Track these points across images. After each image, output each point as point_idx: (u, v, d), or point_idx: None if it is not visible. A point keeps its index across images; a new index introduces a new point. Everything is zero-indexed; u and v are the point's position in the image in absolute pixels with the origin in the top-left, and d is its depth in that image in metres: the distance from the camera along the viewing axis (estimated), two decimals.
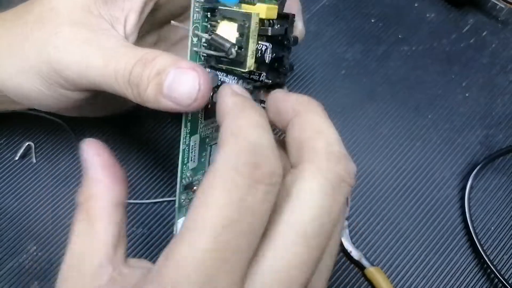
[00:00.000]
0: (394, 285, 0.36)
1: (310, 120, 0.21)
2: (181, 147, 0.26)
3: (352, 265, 0.36)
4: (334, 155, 0.19)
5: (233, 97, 0.21)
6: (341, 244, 0.36)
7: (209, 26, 0.25)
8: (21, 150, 0.37)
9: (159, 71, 0.22)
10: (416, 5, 0.48)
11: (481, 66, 0.45)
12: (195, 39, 0.24)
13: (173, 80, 0.22)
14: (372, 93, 0.43)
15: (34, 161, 0.37)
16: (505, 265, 0.37)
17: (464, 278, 0.37)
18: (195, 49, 0.25)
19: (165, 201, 0.37)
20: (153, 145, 0.39)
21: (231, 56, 0.23)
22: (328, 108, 0.42)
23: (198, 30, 0.25)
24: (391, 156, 0.40)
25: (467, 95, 0.44)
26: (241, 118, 0.19)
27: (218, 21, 0.24)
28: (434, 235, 0.38)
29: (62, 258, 0.34)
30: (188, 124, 0.26)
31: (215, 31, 0.24)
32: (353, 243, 0.37)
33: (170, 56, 0.23)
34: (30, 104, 0.30)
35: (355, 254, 0.36)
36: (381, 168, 0.40)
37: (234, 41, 0.23)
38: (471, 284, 0.36)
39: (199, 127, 0.27)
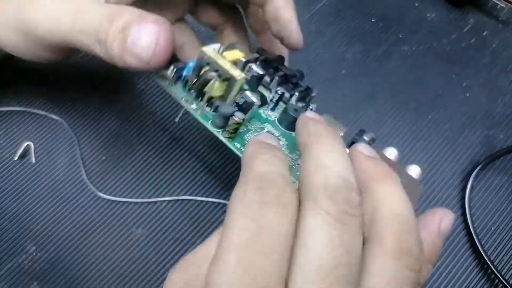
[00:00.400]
0: None
1: (314, 154, 0.20)
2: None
3: None
4: (331, 188, 0.18)
5: (251, 146, 0.21)
6: None
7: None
8: (20, 150, 0.37)
9: (124, 26, 0.22)
10: (416, 5, 0.48)
11: (481, 66, 0.45)
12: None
13: (135, 35, 0.22)
14: (372, 93, 0.43)
15: (34, 161, 0.37)
16: (506, 265, 0.37)
17: (465, 278, 0.37)
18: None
19: (165, 200, 0.37)
20: (153, 144, 0.39)
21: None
22: (328, 108, 0.43)
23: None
24: None
25: (467, 95, 0.44)
26: (255, 158, 0.20)
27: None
28: None
29: (62, 258, 0.34)
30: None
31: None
32: None
33: (138, 11, 0.23)
34: (11, 52, 0.30)
35: None
36: None
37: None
38: (472, 284, 0.36)
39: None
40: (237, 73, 0.25)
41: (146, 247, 0.36)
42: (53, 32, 0.26)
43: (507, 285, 0.35)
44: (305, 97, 0.30)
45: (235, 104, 0.26)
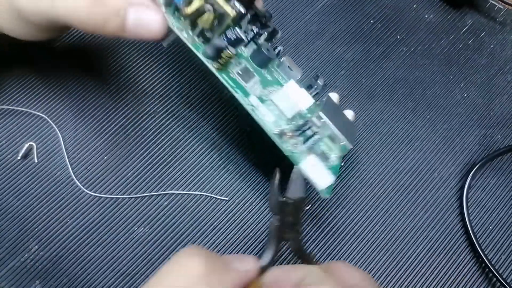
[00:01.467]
0: (392, 285, 0.36)
1: None
2: (251, 113, 0.28)
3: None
4: None
5: None
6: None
7: None
8: (23, 150, 0.38)
9: (116, 11, 0.24)
10: (414, 6, 0.48)
11: (479, 67, 0.45)
12: None
13: (136, 18, 0.25)
14: (371, 93, 0.43)
15: (36, 161, 0.38)
16: (503, 264, 0.38)
17: (463, 277, 0.37)
18: None
19: (167, 193, 0.37)
20: (151, 142, 0.39)
21: None
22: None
23: None
24: (390, 155, 0.41)
25: (465, 95, 0.44)
26: None
27: None
28: (432, 235, 0.38)
29: (64, 257, 0.35)
30: (238, 90, 0.28)
31: None
32: (352, 243, 0.37)
33: None
34: (7, 33, 0.30)
35: None
36: (379, 167, 0.40)
37: None
38: (470, 283, 0.37)
39: (241, 85, 0.29)
40: (229, 10, 0.26)
41: (147, 247, 0.36)
42: (34, 11, 0.26)
43: (505, 284, 0.35)
44: (272, 37, 0.32)
45: (224, 38, 0.28)
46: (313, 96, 0.32)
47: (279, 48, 0.32)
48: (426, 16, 0.48)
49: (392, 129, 0.42)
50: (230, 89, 0.28)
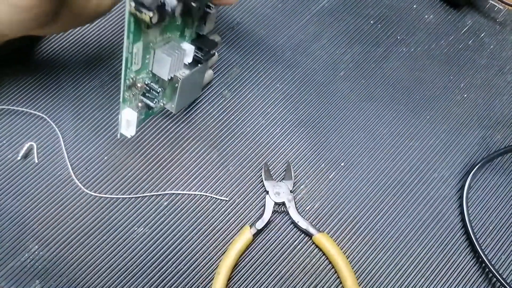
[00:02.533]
0: (393, 284, 0.36)
1: None
2: (124, 55, 0.28)
3: (302, 234, 0.37)
4: None
5: None
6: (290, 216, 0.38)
7: None
8: (23, 150, 0.38)
9: None
10: (414, 6, 0.48)
11: (479, 67, 0.46)
12: None
13: None
14: (371, 94, 0.43)
15: (36, 161, 0.38)
16: (503, 263, 0.38)
17: (463, 276, 0.37)
18: None
19: (167, 194, 0.37)
20: (152, 142, 0.39)
21: None
22: (327, 109, 0.43)
23: None
24: (390, 156, 0.41)
25: (465, 96, 0.44)
26: None
27: None
28: (432, 235, 0.38)
29: (64, 257, 0.35)
30: (131, 34, 0.27)
31: None
32: (353, 243, 0.37)
33: None
34: (4, 30, 0.30)
35: (302, 223, 0.37)
36: (380, 168, 0.40)
37: None
38: (470, 283, 0.37)
39: (141, 35, 0.28)
40: None
41: (147, 246, 0.36)
42: None
43: (505, 283, 0.35)
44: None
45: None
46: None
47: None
48: (426, 16, 0.48)
49: (392, 130, 0.42)
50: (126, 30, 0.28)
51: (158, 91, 0.32)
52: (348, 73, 0.44)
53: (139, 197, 0.37)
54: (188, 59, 0.33)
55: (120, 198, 0.37)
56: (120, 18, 0.43)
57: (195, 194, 0.38)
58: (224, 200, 0.38)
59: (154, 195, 0.37)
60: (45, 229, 0.36)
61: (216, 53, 0.38)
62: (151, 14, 0.26)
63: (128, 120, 0.32)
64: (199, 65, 0.34)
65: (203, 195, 0.38)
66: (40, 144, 0.38)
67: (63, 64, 0.41)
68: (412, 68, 0.45)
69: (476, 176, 0.40)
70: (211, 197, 0.38)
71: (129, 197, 0.37)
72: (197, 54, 0.33)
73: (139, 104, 0.33)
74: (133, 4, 0.26)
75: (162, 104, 0.34)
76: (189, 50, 0.33)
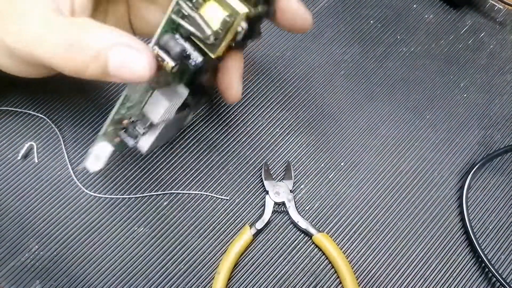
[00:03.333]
0: (392, 285, 0.36)
1: None
2: (126, 92, 0.27)
3: (302, 234, 0.37)
4: None
5: None
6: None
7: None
8: (23, 150, 0.38)
9: (96, 53, 0.22)
10: (414, 6, 0.48)
11: (479, 67, 0.46)
12: (176, 7, 0.24)
13: (119, 61, 0.22)
14: (371, 93, 0.43)
15: (36, 161, 0.38)
16: (503, 264, 0.38)
17: (462, 276, 0.37)
18: (173, 16, 0.24)
19: (167, 193, 0.37)
20: None
21: (206, 41, 0.24)
22: (327, 108, 0.43)
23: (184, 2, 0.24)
24: (390, 156, 0.41)
25: (465, 95, 0.44)
26: None
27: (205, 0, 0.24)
28: (432, 235, 0.38)
29: (64, 257, 0.35)
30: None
31: (200, 7, 0.24)
32: (352, 243, 0.37)
33: (99, 33, 0.23)
34: (5, 70, 0.30)
35: (302, 223, 0.37)
36: (380, 167, 0.40)
37: (215, 28, 0.23)
38: (469, 283, 0.37)
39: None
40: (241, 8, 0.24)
41: (148, 246, 0.36)
42: (21, 52, 0.25)
43: (505, 284, 0.35)
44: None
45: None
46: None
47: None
48: (426, 16, 0.48)
49: (392, 129, 0.42)
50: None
51: (142, 132, 0.30)
52: (348, 72, 0.44)
53: (139, 197, 0.37)
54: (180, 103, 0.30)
55: (120, 198, 0.37)
56: None
57: (195, 194, 0.38)
58: (224, 199, 0.38)
59: (154, 195, 0.37)
60: (45, 229, 0.36)
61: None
62: (173, 64, 0.24)
63: (98, 155, 0.30)
64: (186, 109, 0.32)
65: (203, 194, 0.38)
66: (40, 144, 0.38)
67: None
68: (412, 68, 0.45)
69: (476, 175, 0.40)
70: (211, 196, 0.38)
71: (129, 197, 0.37)
72: (188, 100, 0.30)
73: (116, 140, 0.31)
74: (156, 49, 0.24)
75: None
76: (185, 94, 0.29)
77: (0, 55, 0.28)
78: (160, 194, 0.38)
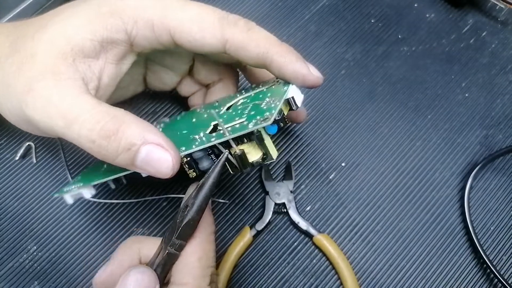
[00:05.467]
0: (394, 285, 0.36)
1: None
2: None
3: (302, 235, 0.37)
4: None
5: None
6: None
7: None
8: (22, 150, 0.37)
9: (128, 145, 0.24)
10: (416, 5, 0.48)
11: (480, 66, 0.45)
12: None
13: (146, 157, 0.25)
14: (372, 93, 0.43)
15: (35, 161, 0.38)
16: (505, 265, 0.37)
17: (464, 277, 0.37)
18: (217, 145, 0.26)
19: (169, 197, 0.37)
20: None
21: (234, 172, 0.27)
22: (328, 108, 0.43)
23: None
24: (391, 156, 0.40)
25: (466, 95, 0.44)
26: None
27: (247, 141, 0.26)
28: (433, 235, 0.38)
29: (63, 258, 0.35)
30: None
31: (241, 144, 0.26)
32: (353, 243, 0.37)
33: (136, 128, 0.25)
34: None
35: (302, 224, 0.37)
36: (381, 168, 0.40)
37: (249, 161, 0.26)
38: (471, 284, 0.37)
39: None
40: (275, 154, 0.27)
41: None
42: (50, 131, 0.26)
43: (506, 285, 0.35)
44: None
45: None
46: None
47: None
48: (427, 15, 0.47)
49: (393, 129, 0.42)
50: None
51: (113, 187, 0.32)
52: (349, 71, 0.44)
53: (140, 201, 0.37)
54: None
55: (120, 202, 0.37)
56: None
57: None
58: (225, 202, 0.38)
59: (155, 198, 0.37)
60: (44, 230, 0.36)
61: None
62: (194, 174, 0.27)
63: (76, 194, 0.31)
64: None
65: None
66: (39, 144, 0.38)
67: None
68: (413, 67, 0.45)
69: (477, 176, 0.40)
70: (211, 200, 0.37)
71: (128, 201, 0.37)
72: None
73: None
74: (186, 159, 0.27)
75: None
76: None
77: (19, 119, 0.28)
78: (162, 198, 0.37)
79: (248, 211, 0.38)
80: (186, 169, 0.27)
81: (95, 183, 0.29)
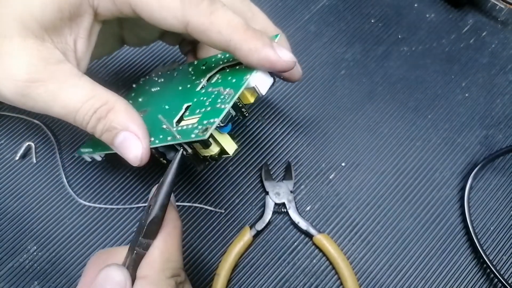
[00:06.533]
0: (394, 285, 0.36)
1: None
2: None
3: (302, 235, 0.37)
4: None
5: None
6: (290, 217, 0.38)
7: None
8: (21, 150, 0.37)
9: (111, 128, 0.27)
10: (416, 5, 0.48)
11: (480, 66, 0.45)
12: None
13: (122, 141, 0.27)
14: (372, 93, 0.43)
15: (35, 161, 0.38)
16: (505, 265, 0.37)
17: (464, 277, 0.37)
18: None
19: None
20: None
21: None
22: (328, 108, 0.43)
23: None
24: (391, 156, 0.40)
25: (466, 95, 0.44)
26: None
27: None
28: (433, 235, 0.38)
29: (62, 258, 0.35)
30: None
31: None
32: (353, 243, 0.37)
33: (122, 116, 0.27)
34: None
35: (302, 224, 0.37)
36: (381, 168, 0.40)
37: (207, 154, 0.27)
38: (471, 284, 0.37)
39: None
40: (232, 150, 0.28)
41: None
42: (22, 105, 0.27)
43: (506, 285, 0.35)
44: None
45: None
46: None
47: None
48: (427, 15, 0.47)
49: (393, 129, 0.42)
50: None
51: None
52: (349, 72, 0.44)
53: (140, 207, 0.37)
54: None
55: (120, 208, 0.37)
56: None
57: (190, 206, 0.38)
58: (220, 212, 0.38)
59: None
60: (44, 230, 0.36)
61: None
62: (165, 162, 0.29)
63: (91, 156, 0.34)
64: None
65: (198, 206, 0.38)
66: (39, 144, 0.38)
67: None
68: (413, 67, 0.45)
69: (477, 176, 0.40)
70: (206, 208, 0.37)
71: (124, 207, 0.37)
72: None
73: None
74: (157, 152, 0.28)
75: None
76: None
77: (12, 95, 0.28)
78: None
79: (248, 211, 0.38)
80: (157, 157, 0.29)
81: (100, 153, 0.33)
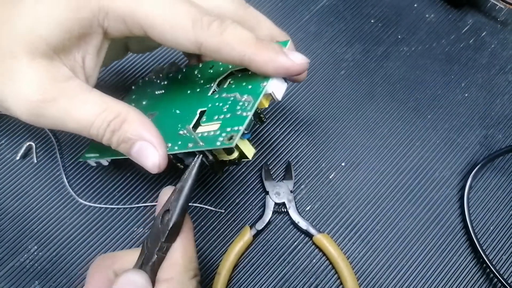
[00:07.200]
0: (393, 285, 0.36)
1: None
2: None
3: (302, 235, 0.37)
4: None
5: None
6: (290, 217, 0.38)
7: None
8: (22, 150, 0.37)
9: (126, 139, 0.27)
10: (415, 5, 0.48)
11: (480, 67, 0.45)
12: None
13: (138, 151, 0.27)
14: (372, 93, 0.43)
15: (35, 161, 0.38)
16: (504, 264, 0.37)
17: (463, 277, 0.37)
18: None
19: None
20: None
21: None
22: (328, 108, 0.43)
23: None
24: (391, 156, 0.41)
25: (466, 95, 0.44)
26: None
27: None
28: (433, 235, 0.38)
29: (63, 258, 0.35)
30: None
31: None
32: (353, 243, 0.37)
33: (136, 126, 0.27)
34: None
35: (302, 224, 0.37)
36: (380, 168, 0.40)
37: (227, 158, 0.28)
38: (471, 284, 0.37)
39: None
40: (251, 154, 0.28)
41: None
42: (36, 123, 0.27)
43: (506, 284, 0.35)
44: None
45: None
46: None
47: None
48: (427, 15, 0.47)
49: (393, 129, 0.42)
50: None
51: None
52: (348, 72, 0.44)
53: (141, 206, 0.37)
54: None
55: (121, 208, 0.37)
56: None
57: (190, 205, 0.38)
58: (220, 212, 0.38)
59: (148, 205, 0.37)
60: (44, 230, 0.36)
61: None
62: (182, 167, 0.29)
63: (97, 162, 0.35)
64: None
65: (198, 206, 0.38)
66: (39, 144, 0.38)
67: None
68: (413, 67, 0.45)
69: (477, 176, 0.40)
70: (206, 208, 0.37)
71: (124, 207, 0.37)
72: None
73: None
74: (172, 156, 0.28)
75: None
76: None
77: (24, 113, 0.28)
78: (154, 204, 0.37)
79: (248, 211, 0.38)
80: (174, 162, 0.29)
81: (107, 158, 0.34)
